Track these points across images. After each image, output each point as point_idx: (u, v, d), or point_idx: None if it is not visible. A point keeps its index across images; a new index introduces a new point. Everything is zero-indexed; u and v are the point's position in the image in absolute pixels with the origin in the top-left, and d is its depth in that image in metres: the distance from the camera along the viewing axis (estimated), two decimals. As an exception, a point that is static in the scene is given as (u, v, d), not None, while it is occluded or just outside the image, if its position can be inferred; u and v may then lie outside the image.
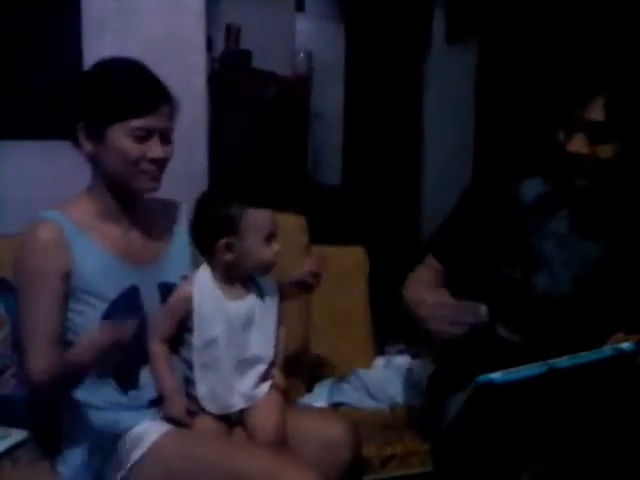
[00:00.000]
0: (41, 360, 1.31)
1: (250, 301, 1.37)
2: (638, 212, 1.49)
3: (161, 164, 1.36)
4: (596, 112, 1.36)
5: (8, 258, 1.37)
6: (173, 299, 1.35)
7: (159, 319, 1.36)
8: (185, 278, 1.37)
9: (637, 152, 1.39)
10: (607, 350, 1.20)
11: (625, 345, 1.19)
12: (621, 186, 1.46)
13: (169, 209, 1.52)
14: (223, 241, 1.32)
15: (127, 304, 1.36)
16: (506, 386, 1.11)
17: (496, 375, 1.10)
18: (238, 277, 1.37)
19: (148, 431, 1.30)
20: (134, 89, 1.32)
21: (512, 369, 1.12)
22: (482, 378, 1.11)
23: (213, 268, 1.36)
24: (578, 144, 1.38)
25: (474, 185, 1.66)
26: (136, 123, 1.30)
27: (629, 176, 1.44)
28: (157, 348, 1.34)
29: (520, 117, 3.68)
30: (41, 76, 1.97)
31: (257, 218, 1.33)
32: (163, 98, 1.35)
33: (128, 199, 1.40)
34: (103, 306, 1.34)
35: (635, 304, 1.44)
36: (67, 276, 1.32)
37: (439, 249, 1.59)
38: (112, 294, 1.35)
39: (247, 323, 1.35)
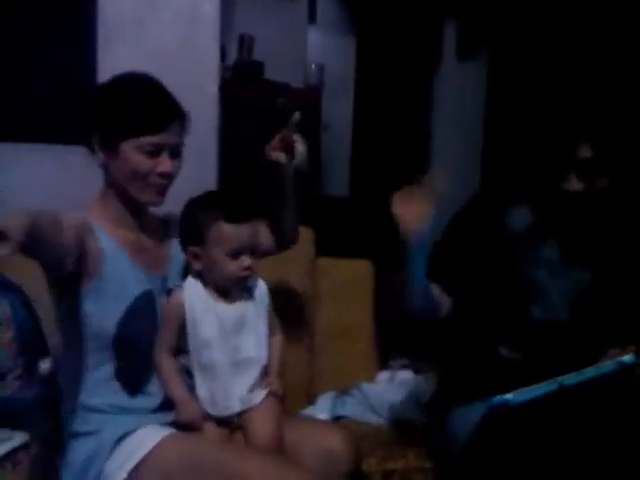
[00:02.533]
0: None
1: (241, 304, 1.38)
2: (623, 238, 1.54)
3: (169, 178, 1.39)
4: (585, 150, 1.43)
5: (23, 263, 1.36)
6: (167, 308, 1.37)
7: (161, 331, 1.37)
8: (179, 287, 1.38)
9: (621, 184, 1.47)
10: (610, 365, 1.29)
11: (626, 358, 1.29)
12: (608, 214, 1.52)
13: (171, 221, 1.52)
14: (191, 249, 1.35)
15: (144, 307, 1.37)
16: (520, 406, 1.13)
17: (510, 396, 1.13)
18: (214, 285, 1.37)
19: (149, 435, 1.31)
20: (148, 107, 1.35)
21: (524, 389, 1.14)
22: (496, 399, 1.13)
23: None
24: (573, 183, 1.44)
25: (465, 211, 1.65)
26: (148, 140, 1.33)
27: (614, 205, 1.51)
28: (161, 358, 1.35)
29: (529, 135, 3.68)
30: (57, 81, 2.00)
31: (223, 232, 1.33)
32: (175, 116, 1.38)
33: (137, 207, 1.42)
34: (122, 307, 1.34)
35: (628, 320, 1.49)
36: (84, 255, 1.29)
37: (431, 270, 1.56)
38: (129, 297, 1.35)
39: (239, 325, 1.36)
